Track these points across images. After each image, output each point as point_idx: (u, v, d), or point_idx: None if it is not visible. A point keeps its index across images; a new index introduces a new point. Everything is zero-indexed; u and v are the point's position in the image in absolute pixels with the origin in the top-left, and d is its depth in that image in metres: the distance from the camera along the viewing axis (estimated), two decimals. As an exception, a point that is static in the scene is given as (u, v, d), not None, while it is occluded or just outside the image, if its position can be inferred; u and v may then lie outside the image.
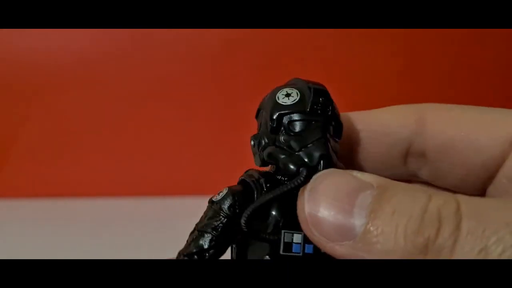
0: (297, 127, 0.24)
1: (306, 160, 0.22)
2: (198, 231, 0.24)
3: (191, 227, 0.25)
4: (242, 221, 0.22)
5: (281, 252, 0.22)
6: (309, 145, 0.23)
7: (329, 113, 0.24)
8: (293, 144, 0.23)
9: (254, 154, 0.25)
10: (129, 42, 0.76)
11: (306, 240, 0.22)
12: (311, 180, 0.21)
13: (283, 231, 0.23)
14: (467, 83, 0.78)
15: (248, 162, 0.27)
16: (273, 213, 0.24)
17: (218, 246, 0.23)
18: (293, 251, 0.23)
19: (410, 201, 0.19)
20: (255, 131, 0.26)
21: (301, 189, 0.21)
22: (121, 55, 0.76)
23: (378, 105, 0.31)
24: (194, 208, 0.27)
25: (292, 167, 0.23)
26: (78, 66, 0.75)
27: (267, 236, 0.23)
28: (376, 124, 0.29)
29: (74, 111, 0.77)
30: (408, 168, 0.29)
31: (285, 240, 0.23)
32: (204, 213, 0.24)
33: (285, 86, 0.25)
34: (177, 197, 0.74)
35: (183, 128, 0.77)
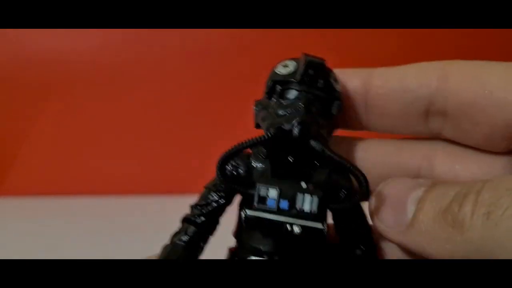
0: (286, 95, 0.26)
1: (284, 124, 0.24)
2: (205, 187, 0.27)
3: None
4: (217, 168, 0.24)
5: (255, 205, 0.24)
6: (290, 112, 0.25)
7: (319, 86, 0.26)
8: (279, 110, 0.25)
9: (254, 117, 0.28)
10: (136, 43, 0.77)
11: (282, 195, 0.24)
12: (381, 186, 0.26)
13: (258, 184, 0.24)
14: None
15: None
16: (255, 169, 0.26)
17: (219, 200, 0.26)
18: (267, 204, 0.24)
19: (448, 188, 0.22)
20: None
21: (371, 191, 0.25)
22: (130, 55, 0.76)
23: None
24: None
25: (269, 128, 0.25)
26: (87, 66, 0.76)
27: (243, 189, 0.25)
28: (395, 81, 0.28)
29: (83, 110, 0.78)
30: (430, 126, 0.29)
31: (260, 194, 0.24)
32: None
33: (291, 58, 0.27)
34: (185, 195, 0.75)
35: (188, 127, 0.77)
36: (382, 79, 0.29)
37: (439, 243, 0.22)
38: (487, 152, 0.28)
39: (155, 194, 0.75)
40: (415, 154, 0.30)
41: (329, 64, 0.27)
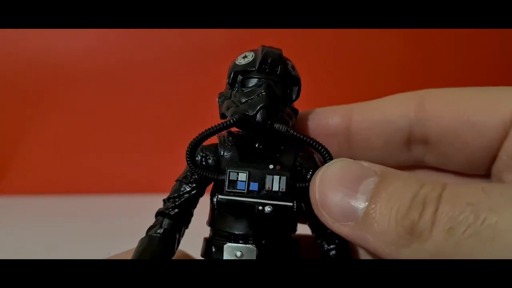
0: (247, 83, 0.27)
1: (248, 110, 0.25)
2: (176, 181, 0.28)
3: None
4: (186, 157, 0.25)
5: (226, 189, 0.25)
6: (252, 98, 0.26)
7: (277, 73, 0.27)
8: (241, 98, 0.26)
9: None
10: (134, 43, 0.77)
11: (251, 178, 0.25)
12: (323, 167, 0.24)
13: (228, 169, 0.25)
14: (469, 81, 0.79)
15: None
16: (223, 157, 0.27)
17: (191, 191, 0.27)
18: (238, 188, 0.25)
19: (404, 188, 0.21)
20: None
21: (314, 175, 0.24)
22: (128, 55, 0.77)
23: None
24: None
25: (233, 115, 0.25)
26: (85, 66, 0.76)
27: (213, 176, 0.26)
28: (375, 114, 0.29)
29: (81, 109, 0.78)
30: (413, 155, 0.30)
31: (230, 178, 0.25)
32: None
33: (250, 50, 0.28)
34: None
35: (186, 126, 0.78)
36: (362, 114, 0.30)
37: (395, 246, 0.21)
38: (467, 176, 0.29)
39: (154, 193, 0.75)
40: None
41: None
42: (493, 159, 0.27)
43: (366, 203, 0.21)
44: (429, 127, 0.28)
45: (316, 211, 0.23)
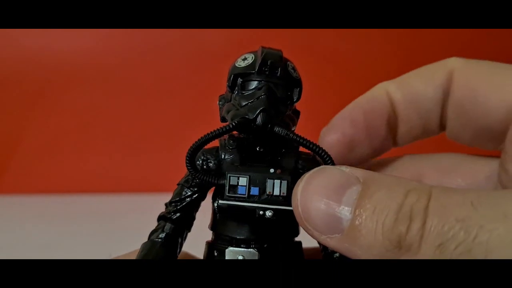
0: (247, 86, 0.27)
1: (247, 113, 0.25)
2: (178, 185, 0.28)
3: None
4: (186, 162, 0.25)
5: (226, 194, 0.25)
6: (252, 101, 0.26)
7: (278, 75, 0.26)
8: (242, 101, 0.26)
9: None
10: (132, 43, 0.76)
11: (252, 182, 0.25)
12: (304, 178, 0.23)
13: (228, 174, 0.25)
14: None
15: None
16: (224, 161, 0.27)
17: (192, 195, 0.27)
18: (238, 192, 0.25)
19: (388, 197, 0.21)
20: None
21: (295, 186, 0.23)
22: (127, 55, 0.76)
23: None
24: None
25: (233, 118, 0.25)
26: (82, 66, 0.76)
27: (213, 181, 0.26)
28: (411, 93, 0.29)
29: (80, 110, 0.77)
30: (443, 128, 0.30)
31: (231, 183, 0.25)
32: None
33: (250, 51, 0.28)
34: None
35: (185, 125, 0.78)
36: (400, 91, 0.29)
37: (382, 258, 0.20)
38: (472, 163, 0.29)
39: (155, 193, 0.75)
40: (404, 173, 0.31)
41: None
42: (499, 141, 0.27)
43: (351, 215, 0.21)
44: (449, 101, 0.28)
45: (300, 224, 0.23)
